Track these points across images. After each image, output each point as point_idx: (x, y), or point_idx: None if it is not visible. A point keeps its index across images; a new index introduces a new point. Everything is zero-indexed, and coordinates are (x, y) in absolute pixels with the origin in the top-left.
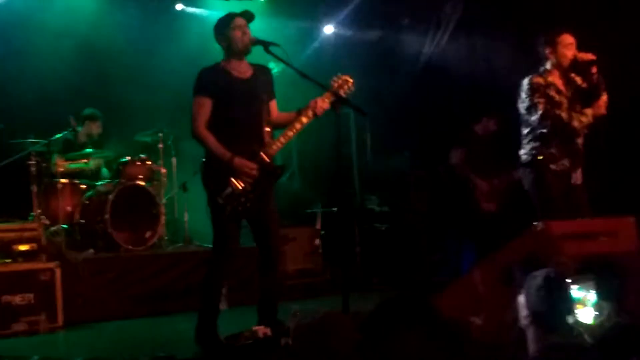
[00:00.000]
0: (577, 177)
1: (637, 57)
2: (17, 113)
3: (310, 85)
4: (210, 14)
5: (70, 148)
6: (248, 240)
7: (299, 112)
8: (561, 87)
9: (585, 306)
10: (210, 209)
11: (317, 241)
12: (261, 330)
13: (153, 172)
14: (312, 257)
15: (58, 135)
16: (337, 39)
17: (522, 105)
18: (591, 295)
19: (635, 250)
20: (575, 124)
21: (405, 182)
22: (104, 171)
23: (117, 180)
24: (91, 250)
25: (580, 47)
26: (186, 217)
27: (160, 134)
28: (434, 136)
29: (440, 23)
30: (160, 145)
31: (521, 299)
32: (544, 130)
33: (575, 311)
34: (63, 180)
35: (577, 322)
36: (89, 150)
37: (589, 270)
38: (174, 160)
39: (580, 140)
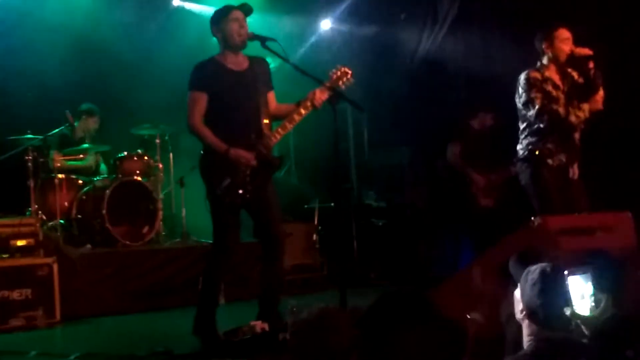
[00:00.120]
0: (574, 172)
1: (633, 52)
2: (14, 109)
3: (307, 80)
4: (207, 9)
5: (68, 143)
6: (247, 235)
7: (298, 104)
8: (558, 82)
9: (582, 298)
10: (209, 202)
11: (315, 237)
12: (259, 325)
13: (150, 167)
14: (310, 252)
15: (55, 131)
16: (334, 34)
17: (519, 100)
18: (588, 287)
19: (633, 245)
20: (572, 119)
21: (403, 178)
22: (103, 167)
23: (114, 176)
24: (88, 246)
25: (577, 42)
26: (184, 212)
27: (158, 129)
28: (432, 131)
29: (437, 18)
30: (158, 141)
31: (517, 293)
32: (541, 125)
33: (572, 303)
34: (60, 176)
35: (574, 314)
36: (86, 145)
37: (585, 262)
38: (171, 155)
39: (577, 135)
